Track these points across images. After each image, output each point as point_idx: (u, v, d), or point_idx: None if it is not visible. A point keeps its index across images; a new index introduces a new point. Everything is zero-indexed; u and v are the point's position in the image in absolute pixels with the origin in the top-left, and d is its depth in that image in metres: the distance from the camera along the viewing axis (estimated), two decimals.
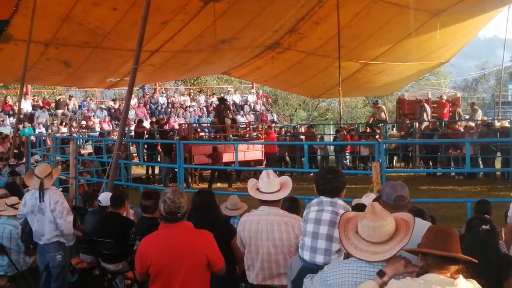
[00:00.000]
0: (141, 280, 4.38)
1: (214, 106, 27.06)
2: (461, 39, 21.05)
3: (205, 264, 4.09)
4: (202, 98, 30.05)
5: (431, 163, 18.72)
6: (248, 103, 29.78)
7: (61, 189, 6.77)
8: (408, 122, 20.75)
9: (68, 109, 25.07)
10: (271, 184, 4.57)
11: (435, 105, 21.87)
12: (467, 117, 21.78)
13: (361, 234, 3.26)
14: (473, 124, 19.50)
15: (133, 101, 25.85)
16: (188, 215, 5.30)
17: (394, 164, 20.22)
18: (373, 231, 3.20)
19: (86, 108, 25.50)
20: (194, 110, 27.94)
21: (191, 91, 32.46)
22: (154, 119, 22.93)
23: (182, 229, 4.10)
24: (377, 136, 18.61)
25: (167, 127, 21.11)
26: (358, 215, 3.37)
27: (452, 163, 17.49)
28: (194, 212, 5.21)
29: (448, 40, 19.94)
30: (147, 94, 28.93)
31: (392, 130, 22.32)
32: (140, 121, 19.98)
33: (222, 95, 28.20)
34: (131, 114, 24.14)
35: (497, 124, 19.53)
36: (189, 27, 15.02)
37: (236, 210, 6.66)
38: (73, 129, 22.53)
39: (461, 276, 2.95)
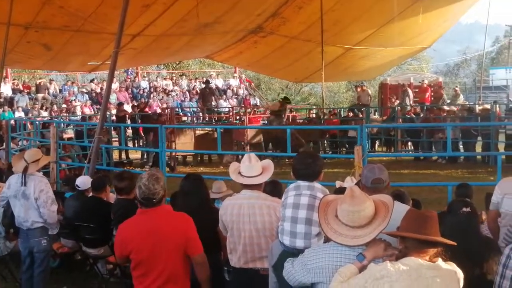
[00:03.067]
0: (122, 264, 4.37)
1: (197, 90, 26.98)
2: (443, 24, 21.15)
3: (184, 247, 4.06)
4: (184, 82, 29.86)
5: (413, 147, 18.87)
6: (231, 88, 29.66)
7: (41, 173, 6.63)
8: (394, 102, 20.86)
9: (48, 93, 24.78)
10: (253, 168, 4.57)
11: (417, 90, 21.99)
12: (448, 101, 21.91)
13: (341, 219, 3.26)
14: (455, 108, 19.65)
15: (115, 85, 25.61)
16: (176, 199, 5.29)
17: (376, 148, 20.33)
18: (353, 215, 3.20)
19: (68, 92, 25.22)
20: (177, 94, 27.77)
21: (173, 75, 32.24)
22: (135, 103, 22.78)
23: (160, 213, 4.08)
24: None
25: (149, 111, 20.99)
26: (338, 199, 3.38)
27: (433, 148, 17.63)
28: (182, 196, 5.19)
29: (430, 25, 20.01)
30: (129, 78, 28.70)
31: (375, 114, 22.39)
32: (120, 105, 19.80)
33: (207, 79, 28.05)
34: (113, 98, 23.91)
35: (478, 108, 19.69)
36: (171, 10, 14.88)
37: (220, 193, 6.64)
38: (53, 113, 22.29)
39: (440, 259, 2.97)
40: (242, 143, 17.54)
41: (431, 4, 18.11)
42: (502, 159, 13.36)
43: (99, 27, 14.68)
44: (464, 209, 3.92)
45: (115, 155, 17.50)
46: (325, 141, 19.96)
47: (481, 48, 29.20)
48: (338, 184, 6.08)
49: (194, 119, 23.40)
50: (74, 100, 24.33)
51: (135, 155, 18.64)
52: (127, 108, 21.63)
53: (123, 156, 17.83)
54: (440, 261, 2.96)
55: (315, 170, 4.16)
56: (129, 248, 4.03)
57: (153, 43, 17.32)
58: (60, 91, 26.03)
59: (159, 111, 20.48)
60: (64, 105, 23.60)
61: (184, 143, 16.54)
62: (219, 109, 24.24)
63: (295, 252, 3.78)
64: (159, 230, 4.01)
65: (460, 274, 3.03)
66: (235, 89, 29.79)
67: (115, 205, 6.22)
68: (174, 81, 29.87)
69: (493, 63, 55.95)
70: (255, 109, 23.15)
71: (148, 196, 3.98)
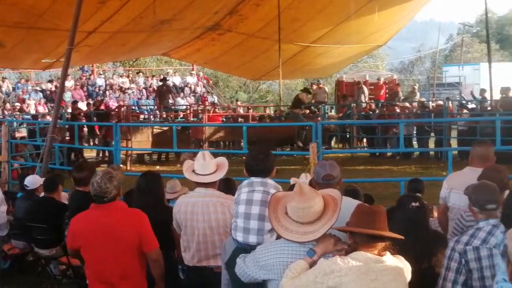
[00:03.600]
0: (73, 256, 4.34)
1: (154, 88, 26.74)
2: (398, 22, 21.53)
3: (138, 243, 4.07)
4: (141, 80, 29.53)
5: (368, 144, 19.13)
6: (189, 85, 29.52)
7: None
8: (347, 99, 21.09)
9: (1, 91, 24.16)
10: (207, 165, 4.56)
11: (372, 87, 22.31)
12: (403, 98, 22.28)
13: (291, 216, 3.29)
14: (408, 105, 20.01)
15: (70, 83, 25.16)
16: (131, 196, 5.23)
17: (332, 145, 20.52)
18: (302, 212, 3.23)
19: (21, 90, 24.65)
20: (133, 92, 27.46)
21: (130, 72, 31.87)
22: (91, 101, 22.42)
23: (113, 209, 4.08)
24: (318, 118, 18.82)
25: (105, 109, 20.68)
26: (287, 196, 3.41)
27: (388, 144, 17.91)
28: (138, 194, 5.15)
29: (385, 23, 20.34)
30: (84, 76, 28.23)
31: (331, 111, 22.60)
32: (75, 103, 19.45)
33: (164, 76, 27.79)
34: (68, 96, 23.50)
35: (432, 105, 20.11)
36: (127, 7, 14.77)
37: (175, 193, 6.59)
38: (6, 112, 21.75)
39: (388, 253, 3.03)
40: (201, 141, 17.49)
41: (386, 3, 18.41)
42: (454, 154, 13.74)
43: (53, 24, 14.42)
44: (413, 203, 3.99)
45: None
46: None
47: (435, 45, 29.88)
48: (293, 181, 6.12)
49: (151, 117, 23.19)
50: (28, 98, 23.79)
51: (90, 153, 18.36)
52: (82, 106, 21.25)
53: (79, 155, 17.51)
54: (388, 255, 3.02)
55: (268, 166, 4.17)
56: (79, 243, 4.06)
57: (109, 40, 17.11)
58: (13, 89, 25.42)
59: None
60: (17, 104, 23.05)
61: (141, 141, 16.38)
62: (176, 107, 24.08)
63: (248, 249, 3.79)
64: (111, 226, 4.01)
65: (408, 267, 3.10)
66: (192, 86, 29.66)
67: (72, 196, 6.12)
68: (130, 78, 29.50)
69: (447, 60, 57.12)
70: (215, 107, 23.12)
71: (99, 193, 4.01)
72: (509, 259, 2.42)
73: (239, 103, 28.53)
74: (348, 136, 19.31)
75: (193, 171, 4.62)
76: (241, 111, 23.75)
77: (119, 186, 4.13)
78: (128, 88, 27.57)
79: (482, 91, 19.82)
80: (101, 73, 30.29)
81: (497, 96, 18.09)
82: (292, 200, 3.29)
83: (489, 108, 17.73)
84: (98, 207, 4.07)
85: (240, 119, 20.57)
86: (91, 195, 4.13)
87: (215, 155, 4.99)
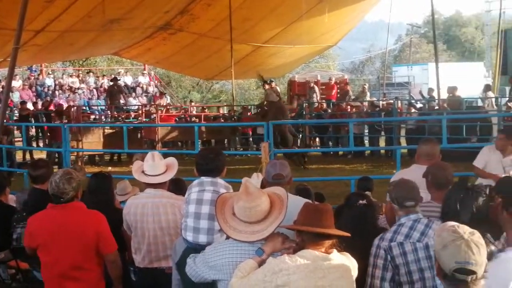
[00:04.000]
0: (30, 255, 4.27)
1: (105, 87, 26.33)
2: (348, 22, 21.85)
3: (95, 245, 4.04)
4: (91, 80, 29.04)
5: (319, 143, 19.38)
6: (140, 85, 29.21)
7: None
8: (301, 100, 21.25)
9: None
10: (156, 166, 4.54)
11: (324, 87, 22.56)
12: (353, 98, 22.62)
13: (238, 216, 3.31)
14: (359, 104, 20.36)
15: (18, 83, 24.54)
16: (82, 197, 5.16)
17: None
18: (249, 211, 3.26)
19: None
20: (84, 92, 27.00)
21: (80, 72, 31.31)
22: (40, 101, 21.94)
23: (71, 210, 4.04)
24: None
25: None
26: (234, 196, 3.43)
27: (339, 143, 18.17)
28: (88, 195, 5.09)
29: (336, 23, 20.61)
30: (33, 76, 27.58)
31: None
32: (23, 103, 19.02)
33: (115, 76, 27.40)
34: (16, 96, 22.91)
35: (383, 104, 20.51)
36: (76, 5, 14.51)
37: (126, 195, 6.52)
38: None
39: (335, 250, 3.08)
40: (153, 141, 17.35)
41: (336, 4, 18.68)
42: (403, 152, 14.05)
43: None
44: (361, 201, 4.07)
45: (19, 155, 16.81)
46: (237, 138, 20.09)
47: (384, 46, 30.39)
48: (244, 180, 6.13)
49: (102, 117, 22.85)
50: None
51: (40, 155, 17.96)
52: (31, 106, 20.76)
53: (27, 156, 17.15)
54: (335, 252, 3.06)
55: (218, 166, 4.17)
56: (36, 242, 4.02)
57: (57, 39, 16.77)
58: None
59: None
60: None
61: (92, 142, 16.15)
62: (128, 107, 23.80)
63: (198, 248, 3.79)
64: (69, 227, 3.97)
65: (355, 264, 3.15)
66: (144, 86, 29.36)
67: (28, 194, 5.96)
68: (81, 78, 28.98)
69: (396, 60, 58.30)
70: (168, 107, 22.95)
71: (57, 194, 3.97)
72: (435, 256, 2.49)
73: (193, 103, 28.39)
74: (300, 135, 19.48)
75: (143, 171, 4.59)
76: (194, 111, 23.67)
77: (78, 187, 4.09)
78: (78, 88, 27.09)
79: (430, 90, 20.33)
80: (50, 72, 29.66)
81: (444, 95, 18.59)
82: (238, 200, 3.31)
83: (436, 107, 18.19)
84: (55, 207, 4.03)
85: (194, 119, 20.52)
86: (48, 193, 4.07)
87: (167, 155, 4.97)
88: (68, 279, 4.00)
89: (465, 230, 2.41)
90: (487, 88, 19.35)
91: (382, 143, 18.10)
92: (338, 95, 21.76)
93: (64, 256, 3.96)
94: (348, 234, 3.17)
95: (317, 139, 20.33)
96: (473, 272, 2.33)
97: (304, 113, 19.38)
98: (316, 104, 20.63)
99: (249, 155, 16.96)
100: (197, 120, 20.15)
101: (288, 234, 3.28)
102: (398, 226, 3.64)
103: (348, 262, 3.10)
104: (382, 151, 17.53)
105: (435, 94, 19.11)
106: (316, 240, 3.03)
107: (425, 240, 3.54)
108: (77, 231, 3.98)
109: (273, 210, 3.31)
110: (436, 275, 2.55)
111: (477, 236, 2.41)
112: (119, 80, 23.30)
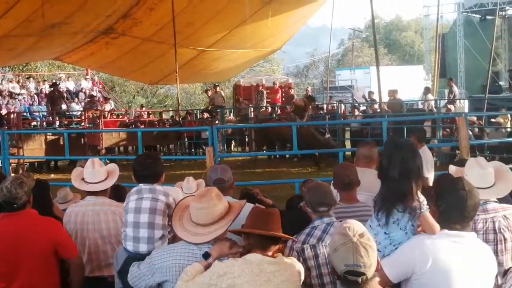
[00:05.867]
0: None
1: (46, 93, 25.69)
2: (292, 27, 22.08)
3: (52, 252, 3.98)
4: (32, 85, 28.28)
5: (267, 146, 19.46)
6: (83, 90, 28.62)
7: None
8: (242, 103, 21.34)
9: None
10: (96, 173, 4.46)
11: (269, 91, 22.72)
12: None
13: (191, 216, 3.34)
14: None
15: None
16: None
17: (232, 148, 20.68)
18: (199, 212, 3.28)
19: None
20: (24, 98, 26.25)
21: (20, 77, 30.44)
22: None
23: (24, 217, 3.96)
24: (216, 122, 18.91)
25: None
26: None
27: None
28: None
29: (279, 27, 20.81)
30: None
31: (229, 115, 22.80)
32: None
33: (55, 81, 26.77)
34: None
35: (328, 107, 20.85)
36: (14, 10, 14.16)
37: (67, 203, 6.38)
38: None
39: (281, 254, 3.13)
40: (97, 147, 17.05)
41: (279, 8, 18.83)
42: (348, 155, 14.28)
43: None
44: (302, 204, 4.11)
45: None
46: (182, 143, 19.98)
47: (328, 50, 30.87)
48: (177, 185, 6.15)
49: (44, 123, 22.29)
50: None
51: None
52: None
53: None
54: (281, 256, 3.10)
55: (156, 172, 4.11)
56: None
57: None
58: None
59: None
60: None
61: (34, 149, 15.74)
62: (70, 113, 23.31)
63: (139, 257, 3.75)
64: (23, 235, 3.89)
65: (301, 268, 3.20)
66: (87, 91, 28.79)
67: None
68: (21, 84, 28.18)
69: (339, 64, 59.31)
70: (112, 112, 22.57)
71: (9, 200, 3.87)
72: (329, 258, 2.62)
73: (144, 108, 28.08)
74: (246, 139, 19.54)
75: (83, 179, 4.51)
76: (145, 116, 23.44)
77: (29, 193, 4.01)
78: (18, 94, 26.32)
79: (370, 93, 20.78)
80: None
81: (386, 98, 19.03)
82: (193, 201, 3.35)
83: (378, 110, 18.58)
84: (7, 216, 3.93)
85: (139, 124, 20.29)
86: None
87: (112, 161, 4.89)
88: None
89: (354, 232, 2.50)
90: (427, 90, 19.94)
91: None
92: (283, 99, 21.93)
93: (19, 266, 3.89)
94: (294, 238, 3.22)
95: None
96: (363, 274, 2.44)
97: (248, 117, 19.44)
98: (263, 108, 20.74)
99: (196, 160, 16.87)
100: (143, 126, 19.91)
101: (237, 240, 3.31)
102: (311, 229, 3.64)
103: (294, 266, 3.13)
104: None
105: (376, 97, 19.50)
106: (263, 244, 3.06)
107: None
108: (32, 240, 3.91)
109: (227, 217, 3.33)
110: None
111: (365, 238, 2.51)
112: (59, 85, 22.82)
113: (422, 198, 3.19)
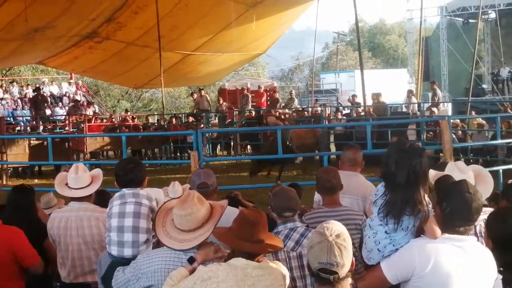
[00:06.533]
0: None
1: (30, 97, 25.52)
2: (276, 30, 22.15)
3: (10, 260, 3.97)
4: (15, 90, 28.05)
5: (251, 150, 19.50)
6: (67, 95, 28.45)
7: None
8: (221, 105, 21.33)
9: None
10: (80, 179, 4.42)
11: (253, 95, 22.75)
12: (283, 105, 22.94)
13: (175, 222, 3.33)
14: (288, 111, 20.65)
15: None
16: (3, 212, 4.98)
17: (217, 152, 20.68)
18: (183, 219, 3.27)
19: None
20: (8, 103, 26.04)
21: (3, 82, 30.21)
22: None
23: None
24: (202, 126, 18.91)
25: None
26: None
27: None
28: (9, 210, 4.90)
29: (264, 31, 20.87)
30: None
31: (215, 119, 22.80)
32: None
33: (38, 85, 26.58)
34: None
35: (312, 111, 20.90)
36: None
37: (51, 208, 6.34)
38: None
39: (265, 259, 3.12)
40: (81, 152, 16.96)
41: (264, 11, 18.88)
42: (333, 158, 14.31)
43: None
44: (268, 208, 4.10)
45: None
46: (167, 147, 19.94)
47: (312, 54, 30.95)
48: (163, 190, 6.14)
49: (28, 128, 22.14)
50: None
51: None
52: None
53: None
54: (266, 261, 3.10)
55: (138, 176, 4.11)
56: None
57: None
58: None
59: None
60: None
61: (17, 154, 15.63)
62: (54, 117, 23.17)
63: (124, 262, 3.73)
64: None
65: (285, 272, 3.19)
66: (71, 96, 28.61)
67: None
68: (4, 88, 27.94)
69: (324, 68, 59.54)
70: (96, 117, 22.48)
71: None
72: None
73: (123, 112, 27.98)
74: (231, 143, 19.56)
75: (66, 184, 4.48)
76: (130, 120, 23.33)
77: None
78: (1, 99, 26.09)
79: (353, 96, 20.89)
80: None
81: (370, 101, 19.12)
82: (175, 207, 3.34)
83: (362, 113, 18.66)
84: None
85: (124, 129, 20.21)
86: None
87: (96, 166, 4.87)
88: None
89: (331, 232, 2.56)
90: (410, 92, 20.08)
91: None
92: (268, 103, 21.97)
93: None
94: (282, 246, 3.24)
95: (249, 147, 20.43)
96: (335, 273, 2.50)
97: (235, 120, 19.47)
98: (248, 112, 20.76)
99: (181, 164, 16.86)
100: (127, 130, 19.84)
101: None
102: (275, 234, 3.61)
103: (279, 271, 3.12)
104: (316, 157, 17.72)
105: (360, 100, 19.59)
106: (248, 255, 3.05)
107: (299, 250, 3.57)
108: None
109: (210, 220, 3.33)
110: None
111: (341, 239, 2.56)
112: (42, 89, 22.69)
113: (428, 201, 3.21)
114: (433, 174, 3.85)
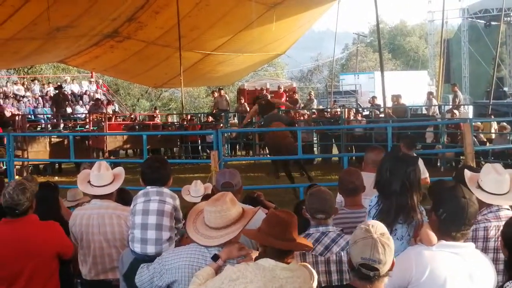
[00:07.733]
0: None
1: (51, 95, 25.76)
2: (296, 31, 22.09)
3: (54, 256, 4.04)
4: (37, 88, 28.33)
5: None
6: (88, 93, 28.68)
7: None
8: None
9: None
10: (102, 177, 4.45)
11: (273, 95, 22.70)
12: (303, 106, 22.90)
13: (205, 219, 3.34)
14: (307, 112, 20.60)
15: None
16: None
17: (236, 152, 20.70)
18: (211, 215, 3.28)
19: None
20: (29, 101, 26.32)
21: (25, 80, 30.53)
22: None
23: (26, 224, 3.97)
24: (221, 125, 18.95)
25: None
26: None
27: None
28: (36, 206, 4.95)
29: (284, 32, 20.82)
30: None
31: (234, 119, 22.82)
32: None
33: (60, 84, 26.83)
34: None
35: (331, 112, 20.82)
36: (20, 13, 14.21)
37: (76, 201, 6.39)
38: None
39: (295, 260, 3.12)
40: (101, 150, 17.09)
41: (284, 12, 18.85)
42: (353, 160, 14.27)
43: None
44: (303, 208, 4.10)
45: None
46: (186, 147, 20.01)
47: (332, 55, 30.88)
48: (184, 189, 6.18)
49: (48, 126, 22.35)
50: None
51: None
52: None
53: None
54: (294, 263, 3.08)
55: (164, 175, 4.13)
56: None
57: (0, 47, 16.36)
58: None
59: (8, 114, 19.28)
60: None
61: (38, 152, 15.80)
62: (75, 115, 23.37)
63: (146, 259, 3.75)
64: (25, 241, 3.92)
65: (314, 275, 3.18)
66: (92, 94, 28.84)
67: None
68: (26, 86, 28.24)
69: (343, 69, 59.34)
70: (116, 115, 22.63)
71: (11, 205, 3.89)
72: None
73: (157, 111, 28.10)
74: (250, 143, 19.56)
75: (89, 181, 4.51)
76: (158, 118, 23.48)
77: (32, 198, 4.03)
78: (23, 96, 26.38)
79: (373, 98, 20.78)
80: None
81: (390, 103, 19.02)
82: (207, 204, 3.35)
83: (382, 115, 18.56)
84: (10, 222, 3.95)
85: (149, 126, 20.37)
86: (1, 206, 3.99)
87: (116, 164, 4.89)
88: None
89: (376, 230, 2.59)
90: (430, 94, 19.93)
91: (335, 150, 18.30)
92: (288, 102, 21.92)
93: (19, 270, 3.90)
94: (311, 246, 3.23)
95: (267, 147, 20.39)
96: (376, 269, 2.53)
97: (253, 121, 19.43)
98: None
99: (199, 163, 16.91)
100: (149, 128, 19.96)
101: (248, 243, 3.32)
102: (305, 236, 3.57)
103: (307, 273, 3.11)
104: (334, 159, 17.70)
105: (380, 102, 19.49)
106: (279, 255, 3.02)
107: (328, 255, 3.51)
108: (35, 246, 3.93)
109: (239, 222, 3.32)
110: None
111: (386, 237, 2.59)
112: (63, 88, 22.89)
113: (422, 209, 3.20)
114: (468, 174, 3.82)
